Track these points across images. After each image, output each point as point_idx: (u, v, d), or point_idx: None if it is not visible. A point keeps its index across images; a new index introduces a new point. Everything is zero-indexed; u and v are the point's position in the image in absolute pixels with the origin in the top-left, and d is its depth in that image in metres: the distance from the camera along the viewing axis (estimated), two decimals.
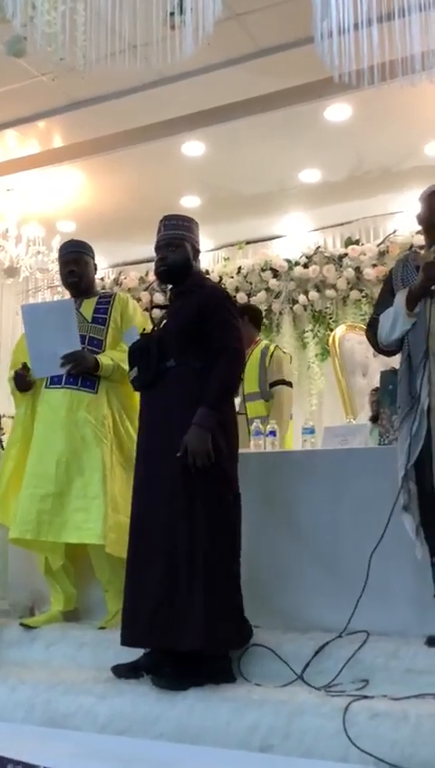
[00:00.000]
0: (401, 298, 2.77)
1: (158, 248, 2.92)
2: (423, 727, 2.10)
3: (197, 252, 2.96)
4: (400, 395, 2.79)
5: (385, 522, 2.68)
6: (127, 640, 2.65)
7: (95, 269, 3.53)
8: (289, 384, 4.45)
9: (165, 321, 2.90)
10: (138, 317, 3.43)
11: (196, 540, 2.58)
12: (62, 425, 3.17)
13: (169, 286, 3.10)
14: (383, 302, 2.91)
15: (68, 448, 3.15)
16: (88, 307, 3.38)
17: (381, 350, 2.95)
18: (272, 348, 4.47)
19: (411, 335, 2.76)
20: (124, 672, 2.65)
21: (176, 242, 2.88)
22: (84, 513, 3.08)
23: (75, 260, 3.42)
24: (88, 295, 3.43)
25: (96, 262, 3.55)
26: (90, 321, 3.33)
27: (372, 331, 2.93)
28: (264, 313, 6.59)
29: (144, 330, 3.00)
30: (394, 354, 2.93)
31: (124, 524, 2.98)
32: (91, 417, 3.19)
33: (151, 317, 2.98)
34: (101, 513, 3.05)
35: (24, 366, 3.25)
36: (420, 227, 6.05)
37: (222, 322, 2.75)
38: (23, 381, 3.27)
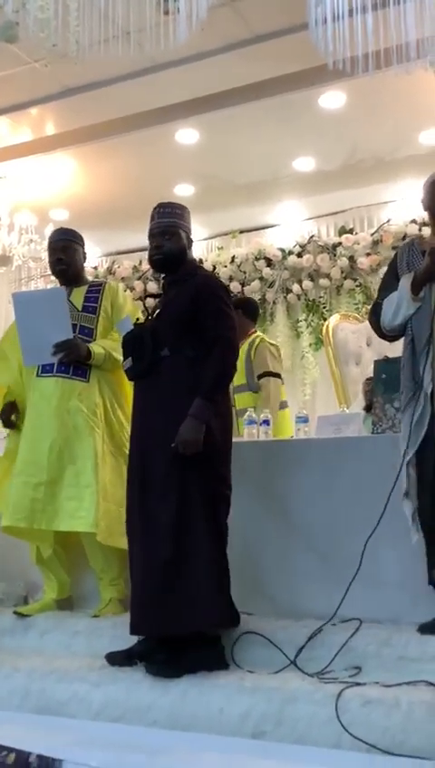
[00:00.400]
0: (405, 282, 2.76)
1: (152, 236, 2.90)
2: (415, 714, 2.12)
3: (190, 241, 2.96)
4: (403, 380, 2.79)
5: (379, 509, 2.69)
6: (133, 629, 2.66)
7: (84, 257, 3.52)
8: (276, 375, 4.45)
9: (158, 311, 2.89)
10: (128, 305, 3.43)
11: (190, 525, 2.60)
12: (54, 413, 3.17)
13: (163, 275, 3.09)
14: (387, 286, 2.90)
15: (60, 437, 3.15)
16: (78, 296, 3.37)
17: (384, 335, 2.93)
18: (257, 340, 4.47)
19: (415, 320, 2.75)
20: (118, 660, 2.66)
21: (171, 230, 2.87)
22: (77, 501, 3.09)
23: (63, 248, 3.41)
24: (78, 284, 3.42)
25: (86, 250, 3.53)
26: (80, 309, 3.33)
27: (375, 315, 2.92)
28: (257, 303, 6.61)
29: (137, 319, 3.00)
30: (396, 339, 2.91)
31: (114, 513, 3.02)
32: (83, 406, 3.19)
33: (145, 306, 2.97)
34: (93, 502, 3.06)
35: (12, 405, 3.28)
36: (413, 217, 6.13)
37: (215, 311, 2.74)
38: (7, 420, 3.29)
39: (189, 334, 2.74)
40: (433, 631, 2.59)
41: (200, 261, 6.79)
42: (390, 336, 2.91)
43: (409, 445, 2.68)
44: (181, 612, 2.54)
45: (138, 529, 2.70)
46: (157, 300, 3.05)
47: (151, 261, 2.94)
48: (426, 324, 2.71)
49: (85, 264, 3.57)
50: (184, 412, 2.63)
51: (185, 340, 2.74)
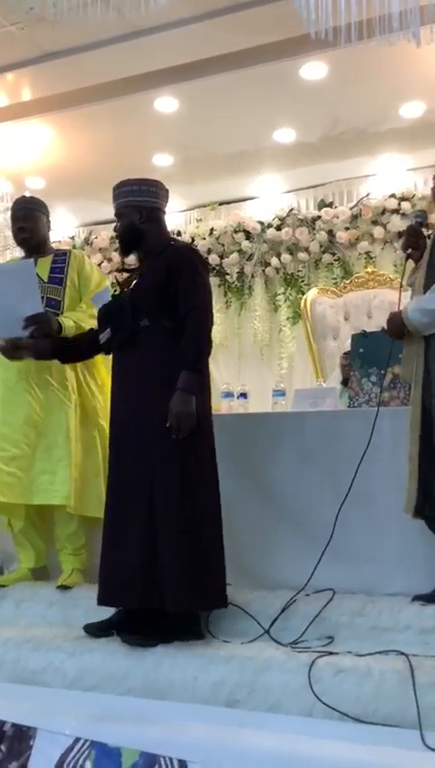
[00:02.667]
0: None
1: None
2: (386, 683, 2.15)
3: (153, 210, 2.89)
4: None
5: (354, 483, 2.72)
6: (106, 600, 2.67)
7: (49, 226, 3.45)
8: None
9: (135, 282, 2.87)
10: (95, 274, 3.39)
11: (175, 497, 2.60)
12: (25, 388, 3.16)
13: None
14: None
15: (31, 411, 3.14)
16: (43, 266, 3.32)
17: None
18: None
19: None
20: (96, 631, 2.67)
21: (120, 211, 2.90)
22: (50, 474, 3.09)
23: (24, 216, 3.36)
24: (42, 253, 3.37)
25: (61, 220, 3.48)
26: (46, 281, 3.28)
27: None
28: (235, 276, 6.58)
29: (114, 291, 2.97)
30: None
31: (85, 482, 3.05)
32: (54, 380, 3.18)
33: (117, 280, 2.95)
34: (66, 475, 3.07)
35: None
36: (392, 191, 6.12)
37: (188, 282, 2.74)
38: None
39: (167, 305, 2.73)
40: (427, 601, 2.62)
41: (178, 233, 6.76)
42: None
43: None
44: (166, 589, 2.54)
45: (122, 499, 2.69)
46: (129, 274, 3.00)
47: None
48: None
49: (61, 234, 3.51)
50: (162, 383, 2.64)
51: (163, 310, 2.73)
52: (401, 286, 2.93)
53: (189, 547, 2.58)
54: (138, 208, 2.87)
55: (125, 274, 2.99)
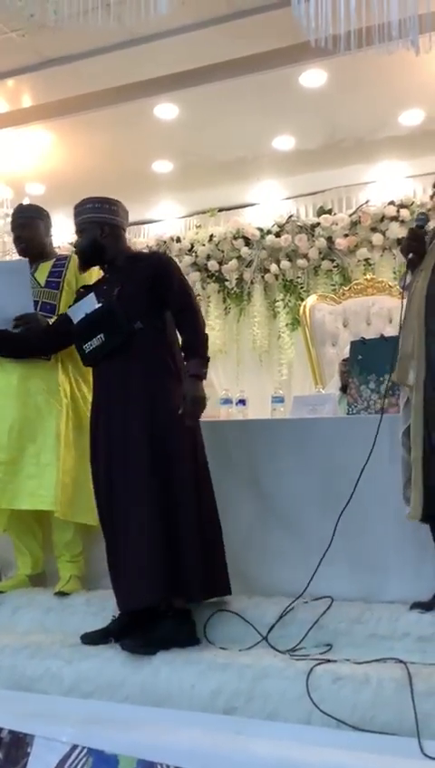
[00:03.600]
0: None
1: None
2: (384, 691, 2.14)
3: (113, 227, 2.97)
4: None
5: (351, 490, 2.71)
6: (130, 603, 2.66)
7: (47, 231, 3.46)
8: None
9: (118, 290, 2.87)
10: (94, 277, 3.39)
11: (192, 491, 2.68)
12: (15, 393, 3.15)
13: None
14: None
15: (20, 416, 3.13)
16: (43, 271, 3.33)
17: None
18: None
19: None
20: (94, 639, 2.66)
21: (80, 227, 2.98)
22: (37, 479, 3.08)
23: (22, 225, 3.39)
24: (44, 258, 3.38)
25: (55, 224, 3.48)
26: (43, 285, 3.29)
27: None
28: (235, 282, 6.59)
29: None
30: None
31: (77, 489, 3.06)
32: (45, 385, 3.17)
33: (79, 293, 2.99)
34: (53, 480, 3.05)
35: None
36: (391, 198, 6.13)
37: (178, 286, 2.86)
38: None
39: (154, 307, 2.83)
40: (425, 609, 2.62)
41: (178, 239, 6.77)
42: None
43: (400, 424, 2.72)
44: (192, 580, 2.61)
45: (127, 501, 2.68)
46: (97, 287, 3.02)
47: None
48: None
49: (61, 239, 3.52)
50: (162, 381, 2.74)
51: (153, 313, 2.83)
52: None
53: (207, 537, 2.69)
54: (100, 224, 2.94)
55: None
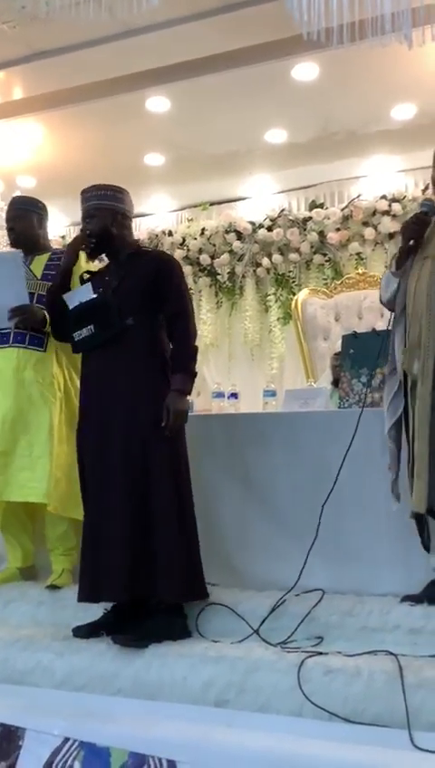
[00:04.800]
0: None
1: (82, 223, 2.98)
2: (375, 683, 2.15)
3: (120, 217, 2.93)
4: (389, 355, 2.80)
5: (343, 482, 2.71)
6: (91, 596, 2.68)
7: (41, 223, 3.44)
8: None
9: (117, 283, 2.87)
10: (82, 265, 3.38)
11: (169, 491, 2.65)
12: (9, 384, 3.14)
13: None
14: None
15: (14, 407, 3.12)
16: (39, 264, 3.32)
17: (388, 308, 2.92)
18: None
19: (398, 295, 2.76)
20: (86, 632, 2.67)
21: (90, 213, 2.92)
22: (29, 471, 3.07)
23: (14, 217, 3.37)
24: (39, 251, 3.37)
25: (50, 217, 3.47)
26: (39, 278, 3.28)
27: (380, 289, 2.95)
28: (226, 276, 6.59)
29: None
30: None
31: (69, 484, 3.03)
32: (39, 377, 3.16)
33: (82, 279, 2.95)
34: (45, 473, 3.05)
35: None
36: (383, 192, 6.14)
37: (176, 287, 2.83)
38: None
39: (151, 306, 2.80)
40: (416, 602, 2.62)
41: (170, 232, 6.75)
42: (392, 310, 2.89)
43: (387, 418, 2.71)
44: (160, 580, 2.59)
45: (107, 496, 2.69)
46: (97, 277, 2.99)
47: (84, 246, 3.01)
48: (401, 300, 2.73)
49: (52, 232, 3.51)
50: (149, 380, 2.71)
51: (148, 311, 2.79)
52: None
53: (181, 539, 2.64)
54: (112, 212, 2.91)
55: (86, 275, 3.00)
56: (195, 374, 2.79)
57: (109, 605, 2.76)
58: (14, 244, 3.38)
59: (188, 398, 2.77)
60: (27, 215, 3.38)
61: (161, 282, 2.81)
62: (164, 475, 2.67)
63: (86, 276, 2.98)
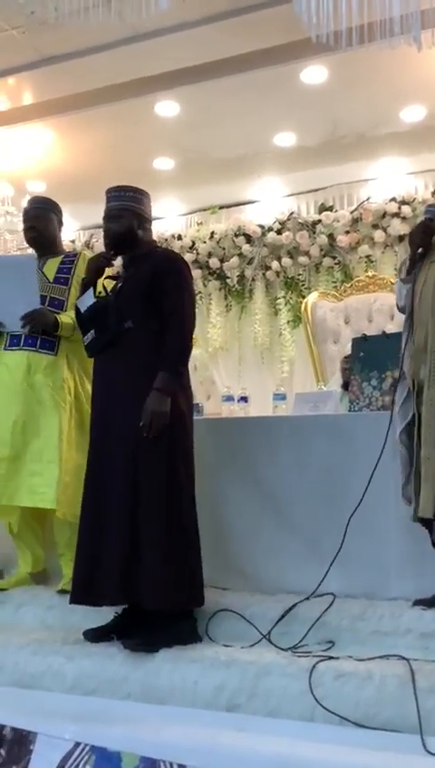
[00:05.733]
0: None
1: (103, 221, 2.95)
2: (387, 687, 2.14)
3: (143, 220, 2.94)
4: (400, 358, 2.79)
5: (353, 486, 2.71)
6: (82, 598, 2.67)
7: (59, 226, 3.46)
8: None
9: (120, 286, 2.88)
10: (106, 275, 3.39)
11: (160, 496, 2.61)
12: (20, 388, 3.14)
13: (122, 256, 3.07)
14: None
15: (25, 411, 3.12)
16: (51, 267, 3.32)
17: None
18: None
19: (408, 300, 2.75)
20: (95, 636, 2.66)
21: (115, 213, 2.90)
22: (39, 477, 3.07)
23: (36, 216, 3.37)
24: (53, 254, 3.38)
25: (62, 219, 3.48)
26: (51, 281, 3.28)
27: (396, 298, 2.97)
28: (236, 279, 6.58)
29: (99, 292, 2.96)
30: None
31: (78, 489, 2.99)
32: (49, 381, 3.16)
33: (103, 285, 2.95)
34: (54, 478, 3.04)
35: None
36: (393, 195, 6.12)
37: (173, 286, 2.78)
38: None
39: (152, 308, 2.76)
40: (427, 605, 2.61)
41: (179, 236, 6.76)
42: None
43: (397, 422, 2.69)
44: (146, 586, 2.55)
45: (103, 499, 2.69)
46: (114, 280, 3.00)
47: (104, 245, 2.99)
48: (410, 304, 2.73)
49: (63, 238, 3.51)
50: (146, 384, 2.65)
51: (148, 313, 2.76)
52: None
53: (172, 545, 2.59)
54: (137, 214, 2.91)
55: (108, 281, 2.99)
56: (181, 374, 2.72)
57: (119, 608, 2.76)
58: (33, 242, 3.38)
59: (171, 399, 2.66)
60: (48, 215, 3.39)
61: (160, 281, 2.77)
62: (154, 480, 2.62)
63: (107, 282, 2.98)
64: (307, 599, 2.72)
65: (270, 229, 6.44)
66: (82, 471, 2.96)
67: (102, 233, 2.96)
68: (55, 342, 3.20)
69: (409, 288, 2.77)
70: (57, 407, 3.14)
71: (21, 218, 3.49)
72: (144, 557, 2.56)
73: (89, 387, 3.24)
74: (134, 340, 2.75)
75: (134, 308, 2.77)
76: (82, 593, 2.67)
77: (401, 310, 2.90)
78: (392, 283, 5.49)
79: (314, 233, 6.28)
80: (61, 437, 3.10)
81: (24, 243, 3.71)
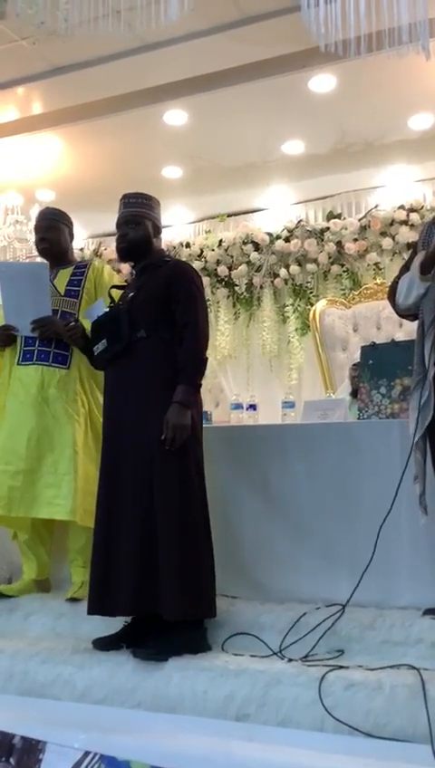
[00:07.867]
0: (417, 261, 2.71)
1: (118, 226, 2.95)
2: (397, 697, 2.13)
3: (157, 229, 2.97)
4: (414, 363, 2.73)
5: (364, 494, 2.70)
6: (99, 609, 2.67)
7: (71, 237, 3.48)
8: None
9: (132, 295, 2.88)
10: (115, 283, 3.40)
11: (174, 507, 2.60)
12: (33, 402, 3.16)
13: (133, 264, 3.08)
14: (408, 264, 2.83)
15: (39, 425, 3.14)
16: (62, 279, 3.34)
17: (401, 314, 2.88)
18: None
19: (425, 301, 2.69)
20: (105, 645, 2.66)
21: (135, 219, 2.91)
22: (55, 489, 3.08)
23: (47, 227, 3.39)
24: (64, 265, 3.39)
25: (73, 230, 3.50)
26: (62, 294, 3.29)
27: (391, 294, 2.86)
28: (244, 287, 6.59)
29: (111, 302, 2.97)
30: (416, 320, 2.81)
31: (94, 498, 3.00)
32: (63, 394, 3.18)
33: (110, 294, 2.96)
34: (71, 489, 3.05)
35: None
36: (401, 202, 6.12)
37: (186, 296, 2.78)
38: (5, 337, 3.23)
39: (164, 317, 2.76)
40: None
41: (187, 244, 6.78)
42: (406, 316, 2.85)
43: (417, 429, 2.64)
44: (163, 597, 2.54)
45: (118, 509, 2.69)
46: (125, 290, 3.01)
47: (117, 250, 2.99)
48: (432, 305, 2.66)
49: (73, 244, 3.53)
50: (160, 394, 2.66)
51: (160, 322, 2.76)
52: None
53: (187, 556, 2.58)
54: (153, 222, 2.93)
55: (117, 291, 3.00)
56: (199, 386, 2.74)
57: (129, 618, 2.75)
58: (45, 252, 3.40)
59: (190, 411, 2.67)
60: (59, 226, 3.42)
61: (173, 291, 2.78)
62: (169, 491, 2.61)
63: (113, 291, 2.99)
64: (317, 608, 2.71)
65: (278, 237, 6.45)
66: (97, 481, 2.95)
67: (116, 239, 2.96)
68: (68, 356, 3.23)
69: (427, 286, 2.69)
70: (71, 419, 3.16)
71: (30, 227, 3.52)
72: (160, 568, 2.56)
73: (100, 396, 3.25)
74: (147, 349, 2.75)
75: (148, 317, 2.77)
76: (99, 604, 2.67)
77: (406, 308, 2.80)
78: None
79: (323, 240, 6.28)
80: (76, 449, 3.12)
81: (34, 251, 3.73)
